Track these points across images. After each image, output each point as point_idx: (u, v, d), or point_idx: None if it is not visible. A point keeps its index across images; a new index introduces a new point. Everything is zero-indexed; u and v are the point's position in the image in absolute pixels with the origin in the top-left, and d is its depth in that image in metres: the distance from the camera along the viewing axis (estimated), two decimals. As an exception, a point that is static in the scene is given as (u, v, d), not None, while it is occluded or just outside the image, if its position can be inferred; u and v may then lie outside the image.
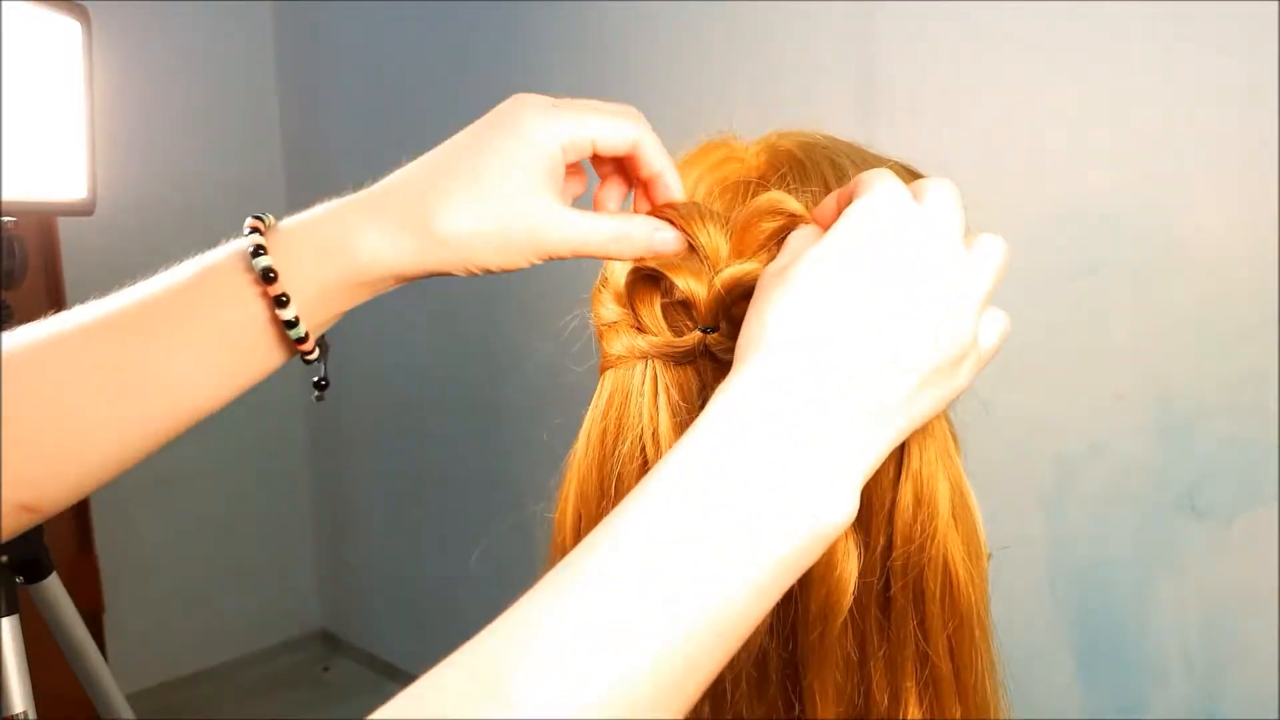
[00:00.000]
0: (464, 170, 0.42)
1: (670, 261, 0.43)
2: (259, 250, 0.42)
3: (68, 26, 1.04)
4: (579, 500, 0.45)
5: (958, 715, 0.41)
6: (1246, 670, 1.18)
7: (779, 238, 0.41)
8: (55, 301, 2.25)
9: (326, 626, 2.92)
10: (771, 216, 0.41)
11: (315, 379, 0.49)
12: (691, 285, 0.42)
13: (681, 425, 0.42)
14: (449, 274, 0.44)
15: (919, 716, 0.40)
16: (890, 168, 0.45)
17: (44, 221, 2.20)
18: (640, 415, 0.43)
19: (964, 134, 1.37)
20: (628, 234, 0.43)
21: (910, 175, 0.46)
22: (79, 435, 0.41)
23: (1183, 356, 1.20)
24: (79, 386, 0.41)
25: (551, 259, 0.43)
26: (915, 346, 0.34)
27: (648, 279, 0.44)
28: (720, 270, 0.42)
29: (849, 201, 0.37)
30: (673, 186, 0.44)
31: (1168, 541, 1.24)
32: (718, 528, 0.31)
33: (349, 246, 0.43)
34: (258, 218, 0.44)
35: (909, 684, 0.41)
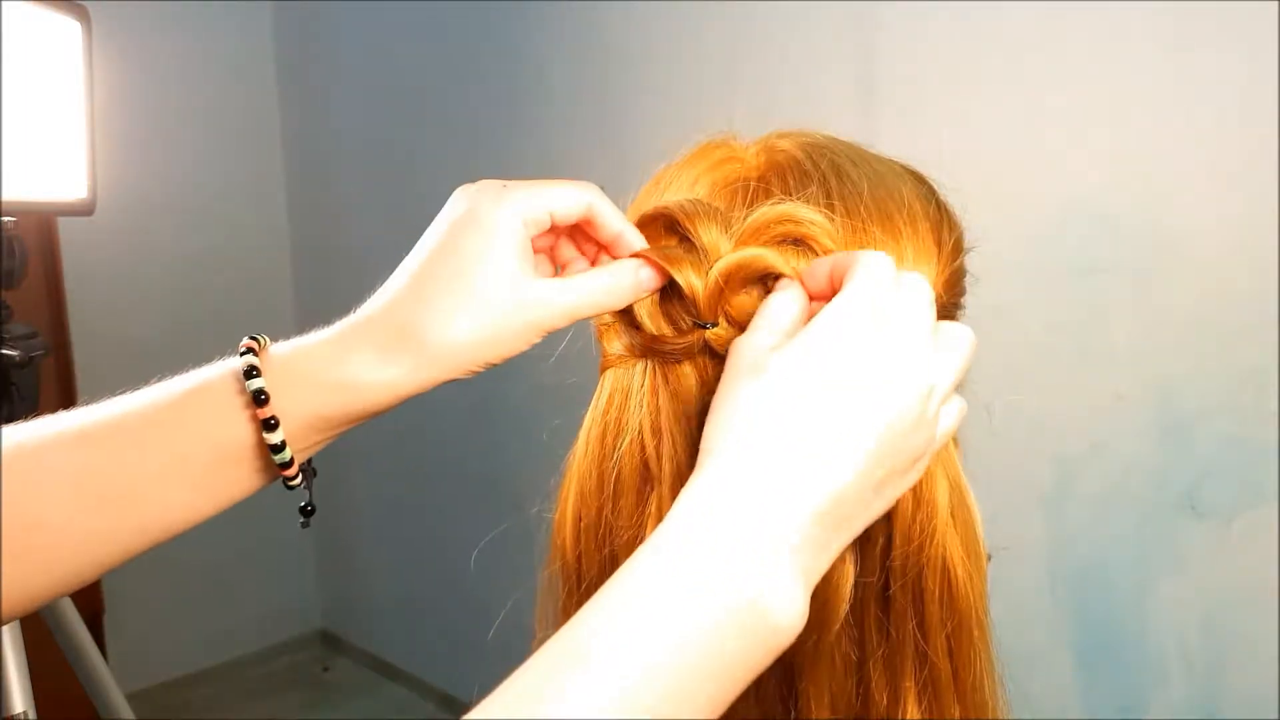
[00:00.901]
0: (442, 278, 0.42)
1: (670, 258, 0.43)
2: (253, 371, 0.42)
3: (68, 26, 1.04)
4: (578, 500, 0.45)
5: (956, 715, 0.41)
6: (1246, 670, 1.18)
7: (787, 241, 0.41)
8: (55, 301, 2.25)
9: (326, 626, 2.92)
10: (781, 225, 0.41)
11: (301, 505, 0.49)
12: (691, 279, 0.42)
13: (679, 422, 0.42)
14: (456, 380, 0.44)
15: (918, 716, 0.40)
16: (891, 168, 0.45)
17: (44, 221, 2.19)
18: (639, 413, 0.43)
19: (964, 134, 1.37)
20: (614, 285, 0.43)
21: (910, 175, 0.46)
22: (48, 545, 0.40)
23: (1183, 356, 1.20)
24: (55, 495, 0.40)
25: (549, 333, 0.44)
26: (878, 458, 0.35)
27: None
28: (715, 265, 0.42)
29: (841, 274, 0.38)
30: (634, 242, 0.45)
31: (1168, 541, 1.24)
32: (675, 638, 0.32)
33: (348, 377, 0.42)
34: (253, 338, 0.43)
35: (908, 684, 0.41)
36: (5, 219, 1.03)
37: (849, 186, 0.43)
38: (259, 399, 0.41)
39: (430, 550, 2.51)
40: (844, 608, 0.39)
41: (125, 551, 0.42)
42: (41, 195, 1.04)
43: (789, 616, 0.33)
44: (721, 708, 0.32)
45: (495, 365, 0.43)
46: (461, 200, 0.44)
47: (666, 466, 0.42)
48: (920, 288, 0.38)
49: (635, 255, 0.44)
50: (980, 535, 0.42)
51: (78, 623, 1.23)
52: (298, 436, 0.43)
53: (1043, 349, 1.31)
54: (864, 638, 0.41)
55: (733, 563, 0.33)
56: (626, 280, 0.43)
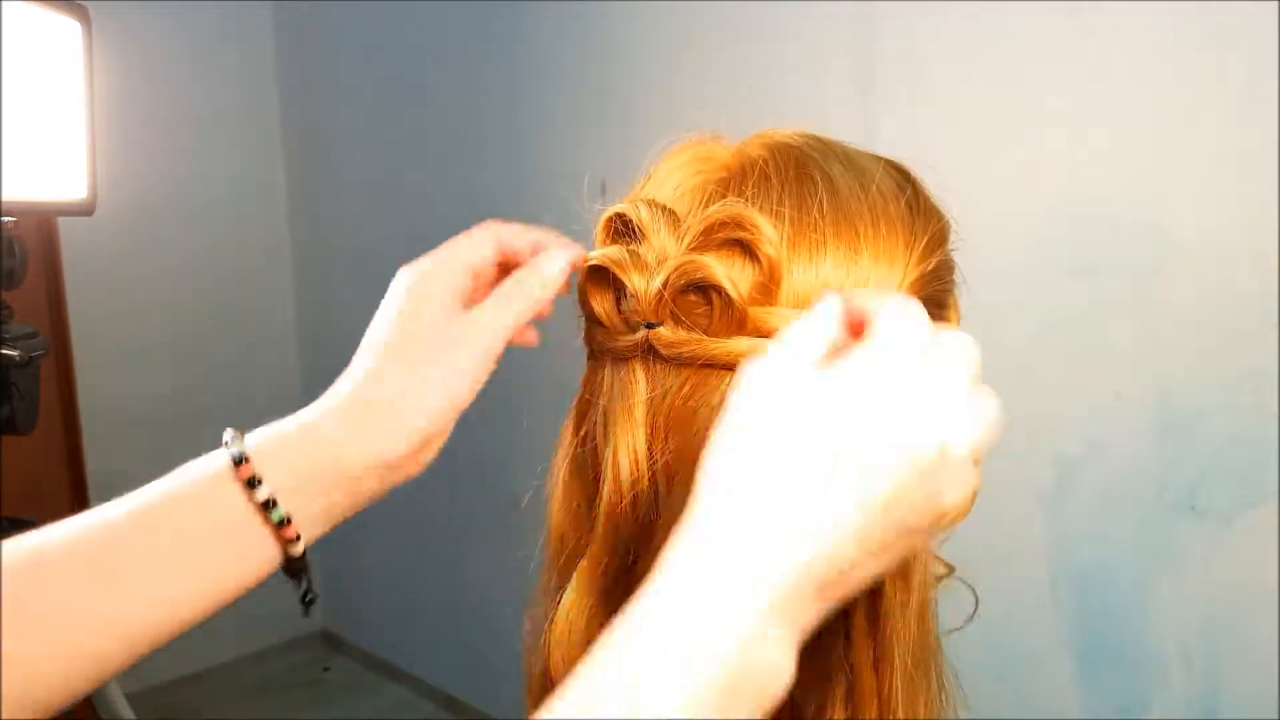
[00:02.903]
0: (384, 354, 0.46)
1: (617, 258, 0.43)
2: (230, 441, 0.44)
3: (68, 26, 1.04)
4: (563, 493, 0.47)
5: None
6: (1246, 670, 1.18)
7: (732, 245, 0.41)
8: (55, 301, 2.25)
9: (326, 626, 2.92)
10: (728, 229, 0.41)
11: (302, 592, 0.49)
12: (634, 280, 0.42)
13: (626, 416, 0.43)
14: (433, 434, 0.47)
15: (842, 718, 0.41)
16: (865, 167, 0.45)
17: (44, 221, 2.19)
18: (597, 406, 0.45)
19: (964, 133, 1.37)
20: (520, 291, 0.47)
21: (888, 173, 0.46)
22: (71, 634, 0.41)
23: (1183, 356, 1.20)
24: (69, 585, 0.41)
25: (499, 354, 0.47)
26: (883, 523, 0.33)
27: (599, 273, 0.45)
28: (661, 267, 0.42)
29: (860, 316, 0.36)
30: (554, 245, 0.48)
31: (1168, 541, 1.24)
32: (662, 688, 0.31)
33: (327, 443, 0.45)
34: (236, 430, 0.46)
35: (837, 691, 0.41)
36: (5, 219, 1.03)
37: (808, 188, 0.43)
38: (238, 461, 0.43)
39: (430, 550, 2.51)
40: None
41: (140, 648, 0.43)
42: (41, 195, 1.04)
43: (781, 681, 0.32)
44: None
45: (461, 408, 0.47)
46: (391, 291, 0.48)
47: (609, 459, 0.43)
48: (960, 345, 0.35)
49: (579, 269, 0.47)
50: (919, 561, 0.41)
51: (78, 623, 1.23)
52: (291, 501, 0.44)
53: (1043, 349, 1.31)
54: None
55: (725, 633, 0.31)
56: (531, 280, 0.47)
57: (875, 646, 0.40)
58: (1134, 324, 1.24)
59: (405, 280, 0.48)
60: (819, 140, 0.46)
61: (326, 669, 2.81)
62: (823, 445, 0.33)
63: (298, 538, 0.44)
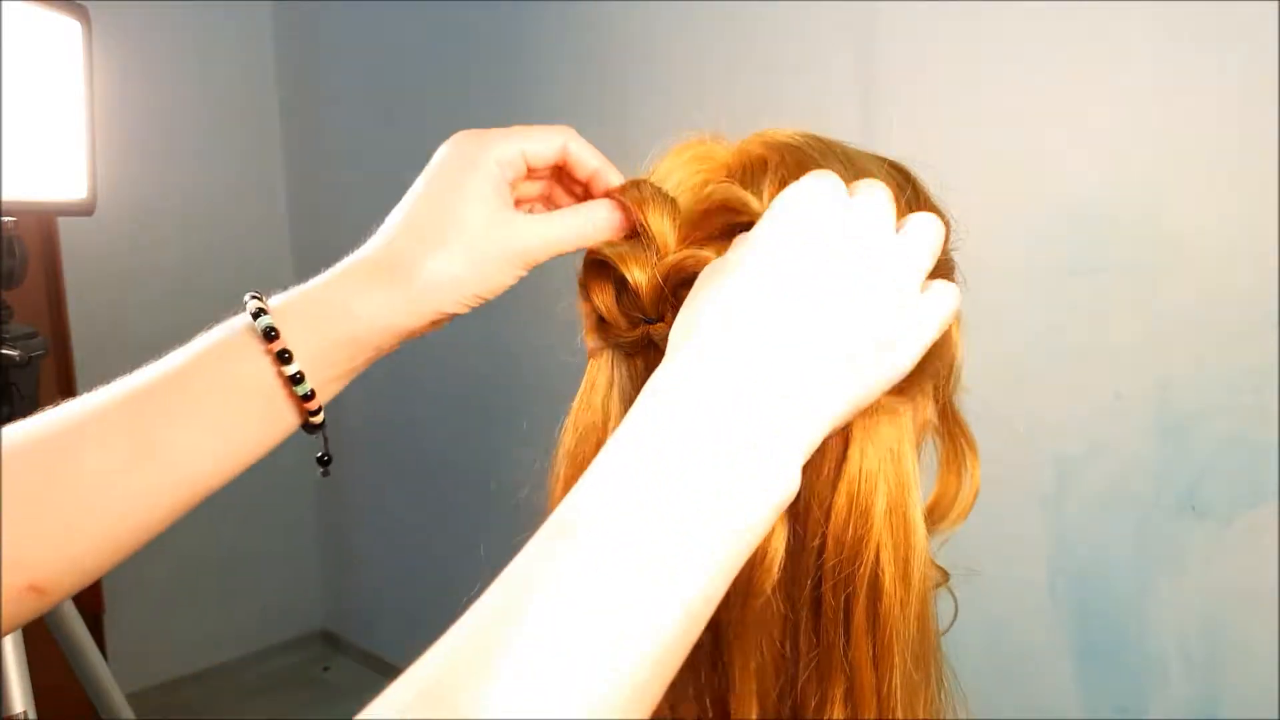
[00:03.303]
0: (426, 216, 0.45)
1: (619, 251, 0.43)
2: (260, 312, 0.44)
3: (68, 26, 1.04)
4: (564, 491, 0.46)
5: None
6: (1246, 670, 1.18)
7: (731, 232, 0.41)
8: (55, 301, 2.25)
9: (326, 626, 2.92)
10: (723, 212, 0.41)
11: (319, 455, 0.51)
12: (635, 274, 0.42)
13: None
14: (454, 315, 0.46)
15: (841, 718, 0.41)
16: (883, 167, 0.45)
17: (44, 221, 2.20)
18: (599, 403, 0.44)
19: (964, 133, 1.37)
20: (586, 219, 0.46)
21: (901, 174, 0.46)
22: (86, 510, 0.41)
23: (1183, 356, 1.20)
24: (86, 458, 0.41)
25: (533, 266, 0.46)
26: (842, 328, 0.35)
27: (600, 267, 0.44)
28: (665, 258, 0.42)
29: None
30: (612, 178, 0.47)
31: (1168, 541, 1.24)
32: (675, 513, 0.31)
33: (348, 311, 0.45)
34: (255, 295, 0.46)
35: (836, 689, 0.41)
36: (5, 219, 1.03)
37: None
38: (269, 335, 0.43)
39: (430, 550, 2.51)
40: (773, 577, 0.39)
41: (168, 508, 0.43)
42: (41, 195, 1.04)
43: (792, 482, 0.33)
44: (731, 576, 0.32)
45: (486, 299, 0.46)
46: (444, 149, 0.47)
47: None
48: (877, 186, 0.39)
49: (606, 194, 0.47)
50: (920, 561, 0.41)
51: (78, 622, 1.23)
52: (313, 371, 0.45)
53: (1043, 349, 1.31)
54: (796, 636, 0.41)
55: (722, 443, 0.32)
56: (599, 214, 0.46)
57: (875, 645, 0.40)
58: (1134, 324, 1.24)
59: (463, 146, 0.46)
60: (819, 140, 0.46)
61: (326, 669, 2.81)
62: (796, 289, 0.36)
63: (320, 409, 0.46)
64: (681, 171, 0.46)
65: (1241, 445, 1.17)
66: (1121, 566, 1.28)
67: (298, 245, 2.79)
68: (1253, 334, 1.14)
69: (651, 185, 0.44)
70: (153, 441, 0.42)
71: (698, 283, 0.38)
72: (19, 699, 1.08)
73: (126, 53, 2.30)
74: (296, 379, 0.44)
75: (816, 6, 1.51)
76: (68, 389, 2.30)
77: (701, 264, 0.40)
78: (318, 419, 0.46)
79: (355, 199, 2.55)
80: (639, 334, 0.43)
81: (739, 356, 0.34)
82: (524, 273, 0.46)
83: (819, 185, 0.38)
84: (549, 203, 0.51)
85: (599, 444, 0.44)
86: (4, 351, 1.03)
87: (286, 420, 0.46)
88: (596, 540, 0.30)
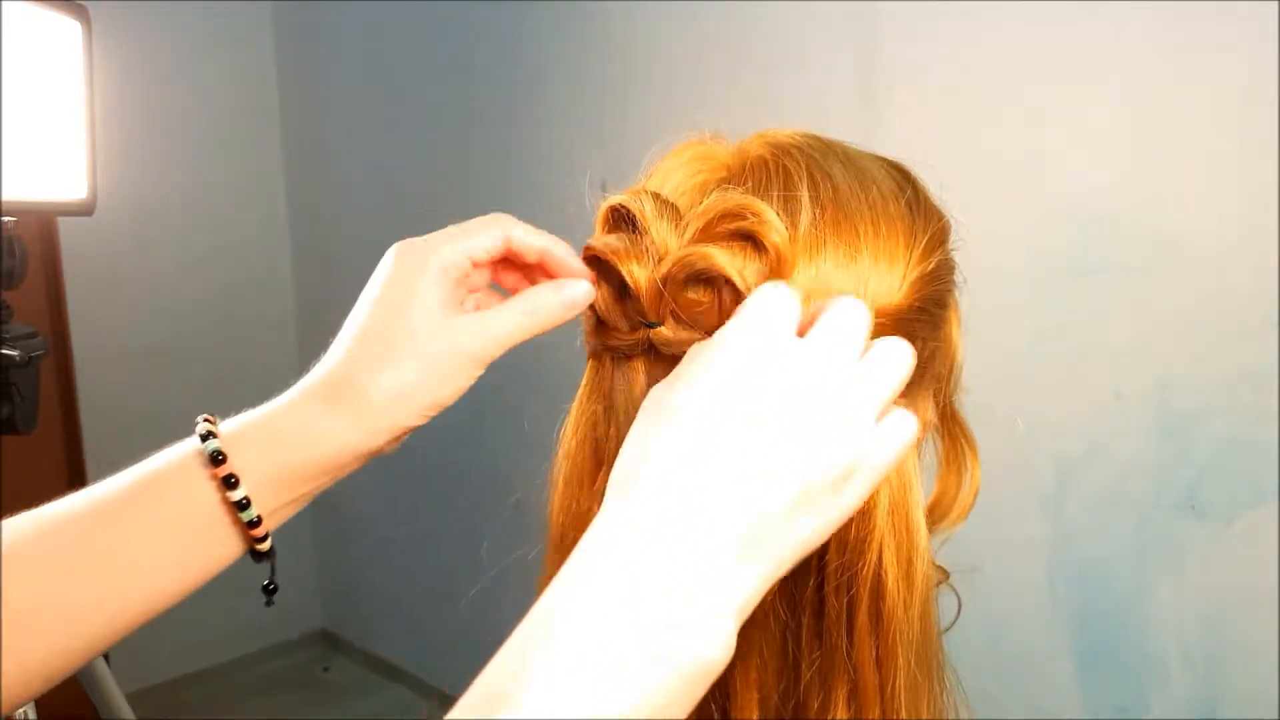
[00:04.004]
0: (373, 333, 0.44)
1: (616, 245, 0.42)
2: (209, 435, 0.44)
3: (68, 26, 1.04)
4: (564, 492, 0.46)
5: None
6: (1246, 670, 1.18)
7: (734, 236, 0.41)
8: (55, 301, 2.25)
9: (326, 626, 2.92)
10: (730, 219, 0.40)
11: (265, 584, 0.50)
12: (635, 272, 0.42)
13: (625, 416, 0.42)
14: (414, 428, 0.46)
15: (845, 718, 0.41)
16: (866, 167, 0.45)
17: (44, 221, 2.20)
18: (595, 410, 0.44)
19: (964, 133, 1.37)
20: (536, 306, 0.45)
21: (888, 172, 0.45)
22: (32, 624, 0.41)
23: (1183, 356, 1.20)
24: (34, 572, 0.41)
25: (490, 362, 0.45)
26: (782, 477, 0.34)
27: (597, 265, 0.44)
28: (662, 262, 0.41)
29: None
30: (563, 255, 0.45)
31: (1168, 541, 1.24)
32: (594, 671, 0.31)
33: (303, 436, 0.44)
34: (208, 416, 0.45)
35: (839, 689, 0.41)
36: (5, 219, 1.03)
37: (808, 188, 0.42)
38: (216, 459, 0.43)
39: (430, 550, 2.51)
40: (772, 588, 0.39)
41: (111, 628, 0.43)
42: (41, 195, 1.04)
43: (715, 648, 0.32)
44: None
45: (446, 406, 0.45)
46: (385, 263, 0.46)
47: (611, 457, 0.43)
48: (890, 358, 0.37)
49: (585, 258, 0.45)
50: (922, 560, 0.41)
51: (78, 623, 1.23)
52: (263, 498, 0.44)
53: (1043, 349, 1.31)
54: (798, 637, 0.41)
55: (645, 601, 0.32)
56: (548, 300, 0.45)
57: (879, 645, 0.40)
58: (1134, 324, 1.24)
59: (405, 257, 0.45)
60: (819, 140, 0.46)
61: (326, 669, 2.81)
62: (738, 439, 0.35)
63: (265, 536, 0.45)
64: (681, 172, 0.45)
65: (1241, 445, 1.17)
66: (1121, 566, 1.28)
67: (298, 245, 2.79)
68: (1252, 334, 1.14)
69: (649, 196, 0.43)
70: (98, 559, 0.42)
71: (645, 404, 0.38)
72: (19, 699, 1.08)
73: (126, 53, 2.30)
74: (242, 505, 0.43)
75: (816, 6, 1.51)
76: (68, 389, 2.30)
77: (703, 260, 0.40)
78: (264, 546, 0.45)
79: (355, 199, 2.55)
80: (639, 337, 0.42)
81: (667, 528, 0.33)
82: (482, 371, 0.46)
83: (776, 311, 0.37)
84: (516, 287, 0.50)
85: (597, 446, 0.44)
86: (4, 351, 1.03)
87: (232, 546, 0.45)
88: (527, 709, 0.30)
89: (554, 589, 0.33)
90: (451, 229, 0.46)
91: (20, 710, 1.08)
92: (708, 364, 0.37)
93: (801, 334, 0.37)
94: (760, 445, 0.34)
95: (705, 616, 0.32)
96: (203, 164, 2.58)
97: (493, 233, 0.46)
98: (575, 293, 0.44)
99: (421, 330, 0.44)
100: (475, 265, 0.46)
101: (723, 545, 0.33)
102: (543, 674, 0.31)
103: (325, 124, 2.63)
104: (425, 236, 0.46)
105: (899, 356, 0.38)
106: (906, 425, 0.38)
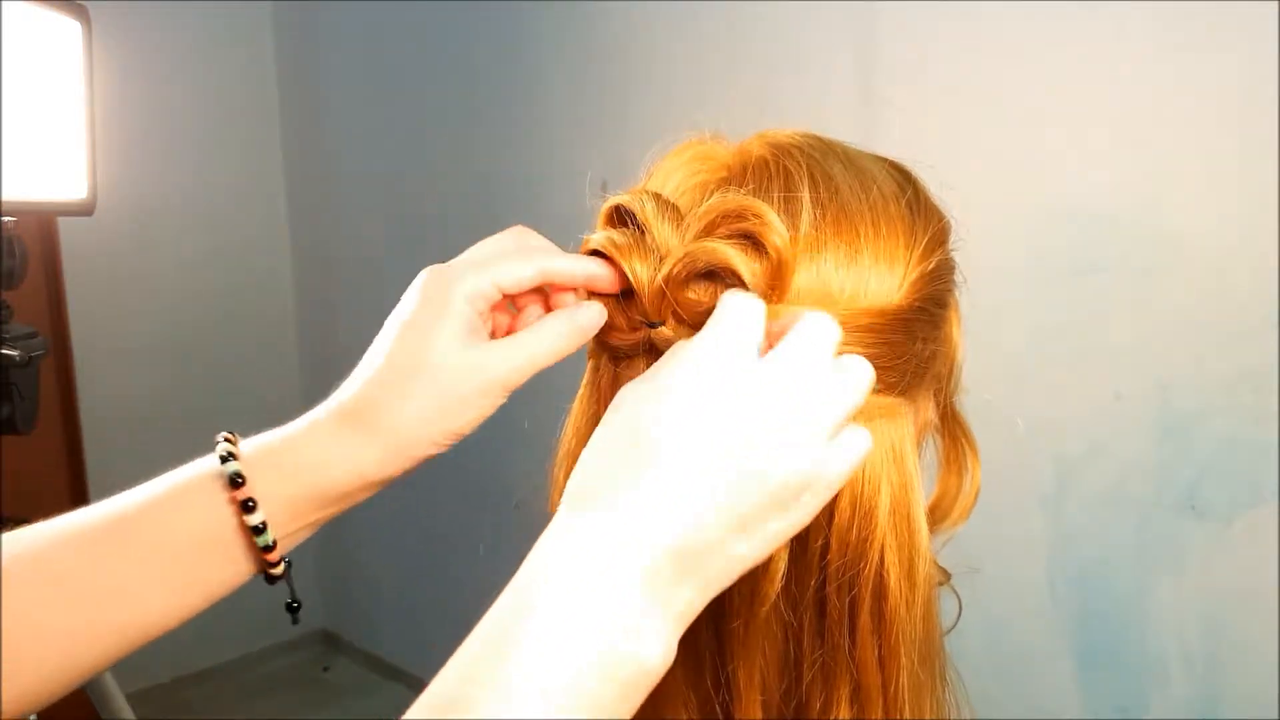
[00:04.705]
0: (395, 361, 0.44)
1: (619, 241, 0.42)
2: (229, 456, 0.43)
3: (68, 26, 1.04)
4: (561, 495, 0.46)
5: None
6: (1246, 670, 1.18)
7: (739, 237, 0.41)
8: (55, 301, 2.25)
9: (326, 626, 2.92)
10: (732, 220, 0.40)
11: (288, 601, 0.50)
12: (636, 267, 0.41)
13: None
14: (432, 456, 0.45)
15: (848, 717, 0.41)
16: (866, 168, 0.45)
17: (44, 221, 2.20)
18: (595, 410, 0.44)
19: (964, 133, 1.37)
20: (556, 333, 0.44)
21: (889, 172, 0.45)
22: (29, 646, 0.40)
23: (1183, 356, 1.20)
24: (36, 594, 0.41)
25: (513, 390, 0.45)
26: (729, 499, 0.35)
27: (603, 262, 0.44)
28: (664, 261, 0.41)
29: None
30: (600, 273, 0.44)
31: (1168, 541, 1.24)
32: (546, 677, 0.32)
33: (322, 462, 0.44)
34: (228, 434, 0.44)
35: (841, 689, 0.41)
36: (5, 219, 1.03)
37: (809, 188, 0.42)
38: (235, 482, 0.42)
39: (430, 550, 2.51)
40: (775, 588, 0.39)
41: (109, 653, 0.42)
42: (41, 195, 1.04)
43: (654, 656, 0.33)
44: None
45: (465, 435, 0.45)
46: (412, 290, 0.45)
47: None
48: (853, 375, 0.37)
49: (589, 252, 0.44)
50: (923, 560, 0.41)
51: (78, 623, 1.23)
52: (279, 522, 0.44)
53: (1043, 349, 1.31)
54: (800, 638, 0.41)
55: (590, 610, 0.33)
56: (564, 328, 0.44)
57: (881, 645, 0.40)
58: (1134, 324, 1.24)
59: (435, 282, 0.44)
60: (819, 140, 0.46)
61: (326, 669, 2.81)
62: (688, 460, 0.35)
63: (280, 560, 0.44)
64: (681, 172, 0.45)
65: (1241, 445, 1.17)
66: (1121, 566, 1.28)
67: (297, 245, 2.79)
68: (1252, 334, 1.14)
69: (651, 196, 0.43)
70: (103, 585, 0.41)
71: (611, 407, 0.38)
72: (19, 699, 1.08)
73: (126, 53, 2.30)
74: (259, 529, 0.43)
75: (816, 6, 1.51)
76: (68, 389, 2.30)
77: (712, 255, 0.39)
78: (277, 570, 0.45)
79: (355, 199, 2.55)
80: (639, 337, 0.42)
81: (611, 545, 0.34)
82: (505, 399, 0.45)
83: (737, 327, 0.37)
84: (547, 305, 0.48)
85: (579, 438, 0.44)
86: (4, 351, 1.03)
87: (244, 569, 0.44)
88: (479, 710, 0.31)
89: (507, 599, 0.34)
90: (482, 253, 0.45)
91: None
92: (669, 381, 0.37)
93: (772, 344, 0.38)
94: (711, 464, 0.35)
95: (645, 631, 0.33)
96: (203, 164, 2.58)
97: (531, 264, 0.44)
98: (591, 313, 0.44)
99: (444, 361, 0.43)
100: (506, 296, 0.45)
101: (662, 565, 0.34)
102: (499, 680, 0.32)
103: (325, 124, 2.63)
104: (454, 262, 0.45)
105: (859, 376, 0.37)
106: (859, 443, 0.37)
